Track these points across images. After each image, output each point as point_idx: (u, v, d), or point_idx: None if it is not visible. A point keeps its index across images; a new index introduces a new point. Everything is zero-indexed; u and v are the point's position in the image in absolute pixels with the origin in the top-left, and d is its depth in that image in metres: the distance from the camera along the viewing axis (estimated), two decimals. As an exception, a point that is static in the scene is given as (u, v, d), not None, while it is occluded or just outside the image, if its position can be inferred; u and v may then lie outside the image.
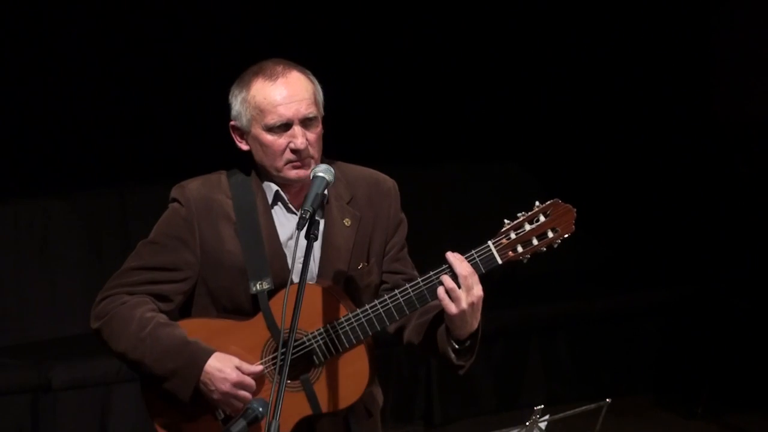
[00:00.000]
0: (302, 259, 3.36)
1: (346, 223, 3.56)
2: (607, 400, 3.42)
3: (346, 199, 3.59)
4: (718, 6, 7.56)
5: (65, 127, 6.95)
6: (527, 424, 3.37)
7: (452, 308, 3.40)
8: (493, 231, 3.47)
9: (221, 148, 3.80)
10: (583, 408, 3.43)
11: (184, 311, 3.62)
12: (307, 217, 3.32)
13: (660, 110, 7.85)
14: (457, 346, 3.49)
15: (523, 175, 7.90)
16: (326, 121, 3.59)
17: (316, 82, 3.56)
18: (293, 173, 3.50)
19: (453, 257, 3.42)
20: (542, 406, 3.37)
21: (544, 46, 7.98)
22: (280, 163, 3.50)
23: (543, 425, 3.38)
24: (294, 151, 3.48)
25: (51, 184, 6.88)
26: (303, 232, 3.32)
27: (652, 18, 7.76)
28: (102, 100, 7.03)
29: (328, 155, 3.62)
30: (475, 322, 3.46)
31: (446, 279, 3.41)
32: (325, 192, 3.43)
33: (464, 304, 3.40)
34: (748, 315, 7.18)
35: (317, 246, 3.49)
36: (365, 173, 3.67)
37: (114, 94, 7.05)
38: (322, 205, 3.39)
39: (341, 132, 6.96)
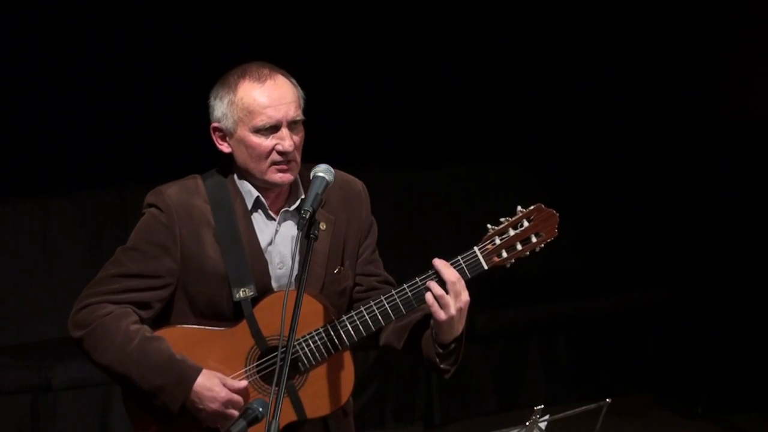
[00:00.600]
0: (300, 259, 3.36)
1: (321, 227, 3.51)
2: (607, 400, 3.42)
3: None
4: (720, 6, 7.55)
5: (65, 127, 6.95)
6: (527, 424, 3.37)
7: (441, 314, 3.41)
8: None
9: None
10: (583, 408, 3.43)
11: (159, 316, 3.58)
12: (307, 217, 3.32)
13: (661, 110, 7.85)
14: (441, 350, 3.50)
15: (523, 175, 7.89)
16: (327, 121, 3.58)
17: (299, 87, 3.54)
18: (278, 176, 3.48)
19: (440, 263, 3.43)
20: (542, 406, 3.37)
21: (545, 45, 7.98)
22: (264, 166, 3.47)
23: (543, 425, 3.38)
24: (281, 153, 3.46)
25: (51, 183, 6.88)
26: (303, 232, 3.32)
27: (654, 18, 7.75)
28: (102, 100, 7.02)
29: (328, 154, 3.61)
30: (461, 327, 3.47)
31: (434, 286, 3.41)
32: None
33: (453, 310, 3.41)
34: (748, 315, 7.18)
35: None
36: (336, 176, 3.61)
37: (114, 94, 7.05)
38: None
39: (341, 132, 7.00)
